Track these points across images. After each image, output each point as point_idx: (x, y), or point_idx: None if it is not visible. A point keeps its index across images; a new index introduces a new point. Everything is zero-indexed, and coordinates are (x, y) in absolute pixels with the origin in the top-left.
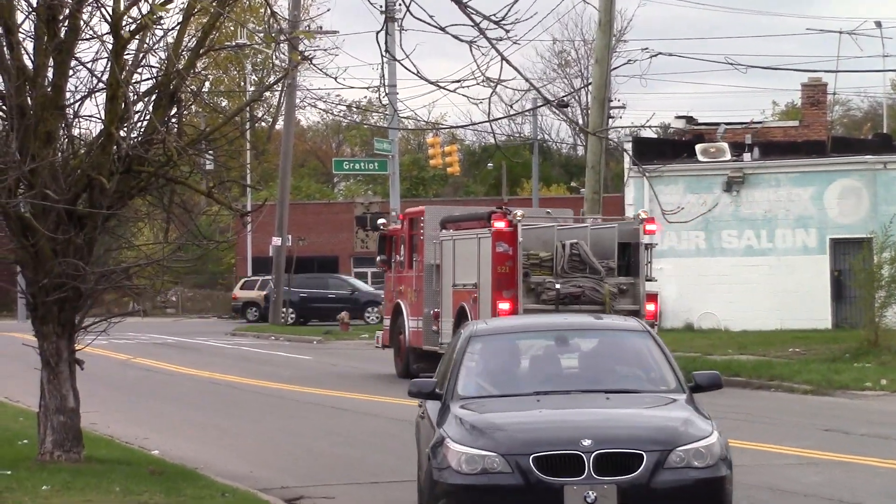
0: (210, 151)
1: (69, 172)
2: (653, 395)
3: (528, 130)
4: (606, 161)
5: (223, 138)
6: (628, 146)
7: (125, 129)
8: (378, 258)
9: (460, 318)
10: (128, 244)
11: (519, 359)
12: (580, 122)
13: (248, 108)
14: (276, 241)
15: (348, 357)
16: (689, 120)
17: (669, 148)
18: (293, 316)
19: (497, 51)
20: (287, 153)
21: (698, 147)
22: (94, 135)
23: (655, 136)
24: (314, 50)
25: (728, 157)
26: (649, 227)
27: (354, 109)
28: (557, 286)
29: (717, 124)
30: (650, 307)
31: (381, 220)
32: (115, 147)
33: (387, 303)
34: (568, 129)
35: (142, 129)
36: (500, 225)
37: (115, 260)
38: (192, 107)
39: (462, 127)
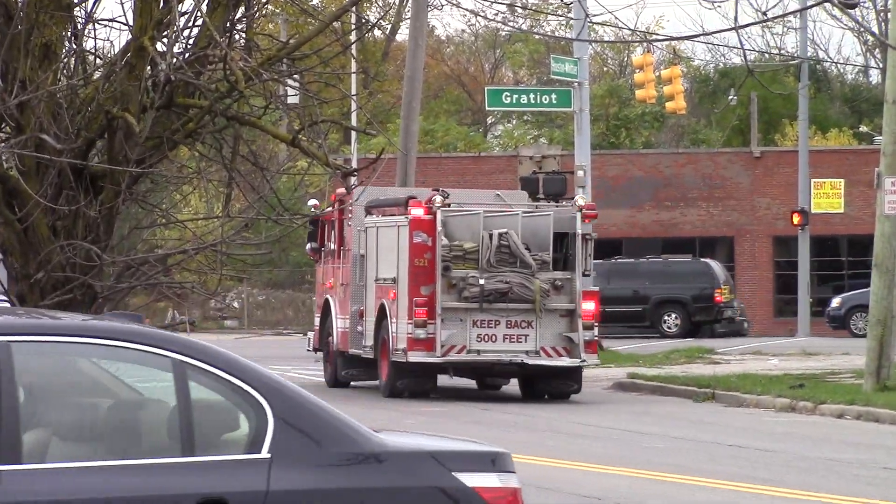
0: (295, 76)
1: (78, 107)
2: None
3: (793, 45)
4: None
5: (315, 56)
6: None
7: (165, 40)
8: (308, 246)
9: (381, 317)
10: (167, 219)
11: None
12: (875, 30)
13: (353, 9)
14: None
15: (511, 396)
16: None
17: None
18: None
19: None
20: (414, 79)
21: None
22: (116, 50)
23: None
24: None
25: None
26: (588, 213)
27: (519, 11)
28: (481, 281)
29: None
30: (588, 306)
31: (312, 202)
32: (149, 68)
33: (317, 298)
34: (855, 41)
35: (191, 42)
36: (417, 212)
37: (147, 243)
38: (268, 7)
39: (689, 39)
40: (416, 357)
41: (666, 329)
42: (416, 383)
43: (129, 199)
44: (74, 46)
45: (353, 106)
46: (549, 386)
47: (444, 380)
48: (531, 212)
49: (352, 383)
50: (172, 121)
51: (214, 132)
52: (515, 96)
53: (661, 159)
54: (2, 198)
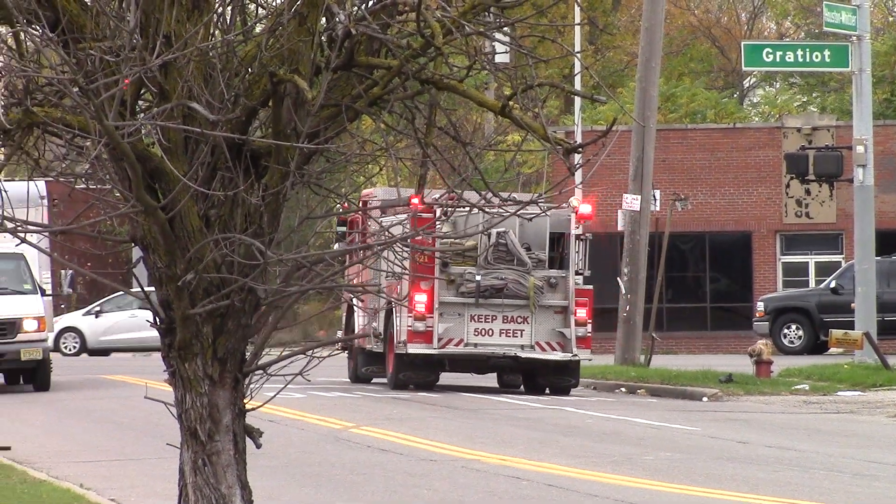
0: (505, 28)
1: (236, 69)
2: None
3: None
4: None
5: (530, 3)
6: None
7: None
8: (335, 246)
9: (389, 312)
10: (345, 208)
11: None
12: None
13: None
14: (631, 201)
15: (769, 427)
16: None
17: None
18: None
19: None
20: (654, 32)
21: None
22: None
23: None
24: None
25: None
26: (582, 213)
27: None
28: (478, 278)
29: None
30: (581, 303)
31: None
32: (323, 20)
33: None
34: None
35: None
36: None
37: (322, 237)
38: None
39: None
40: (415, 349)
41: None
42: (418, 375)
43: (300, 183)
44: None
45: (577, 66)
46: (548, 381)
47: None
48: (529, 213)
49: (373, 380)
50: (353, 85)
51: (405, 99)
52: (779, 53)
53: None
54: (142, 181)
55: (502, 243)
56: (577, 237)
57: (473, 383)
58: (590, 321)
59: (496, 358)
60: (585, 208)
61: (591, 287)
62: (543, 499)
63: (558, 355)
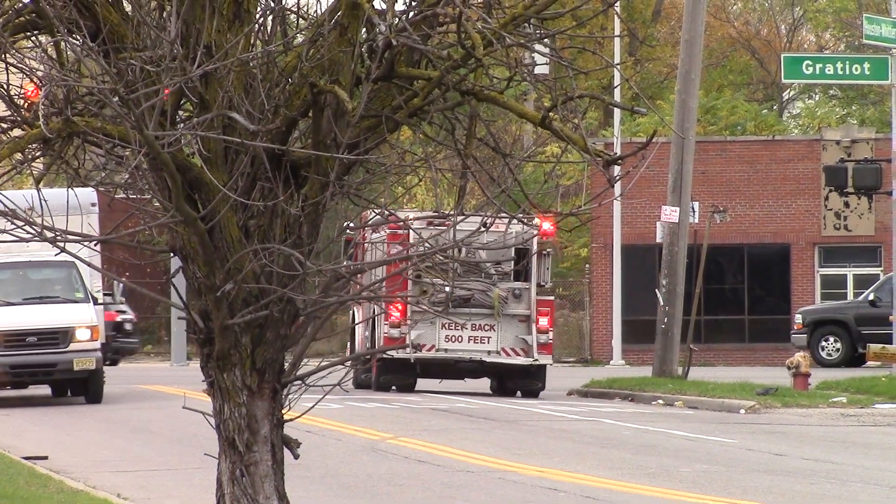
0: (545, 40)
1: (277, 79)
2: None
3: None
4: None
5: (570, 15)
6: None
7: None
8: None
9: (372, 322)
10: (384, 218)
11: None
12: None
13: None
14: (670, 213)
15: (806, 439)
16: None
17: None
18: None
19: None
20: (693, 44)
21: None
22: (324, 7)
23: None
24: None
25: None
26: (545, 229)
27: None
28: (447, 289)
29: None
30: (543, 312)
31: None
32: (364, 30)
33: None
34: None
35: None
36: (393, 228)
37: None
38: None
39: None
40: (391, 353)
41: None
42: (397, 378)
43: (339, 194)
44: (272, 3)
45: (617, 78)
46: (517, 384)
47: (465, 385)
48: (497, 229)
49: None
50: (393, 96)
51: (445, 110)
52: (818, 66)
53: None
54: (182, 191)
55: (471, 257)
56: (540, 252)
57: (466, 389)
58: (551, 329)
59: (464, 362)
60: (546, 226)
61: (552, 298)
62: None
63: (521, 360)
